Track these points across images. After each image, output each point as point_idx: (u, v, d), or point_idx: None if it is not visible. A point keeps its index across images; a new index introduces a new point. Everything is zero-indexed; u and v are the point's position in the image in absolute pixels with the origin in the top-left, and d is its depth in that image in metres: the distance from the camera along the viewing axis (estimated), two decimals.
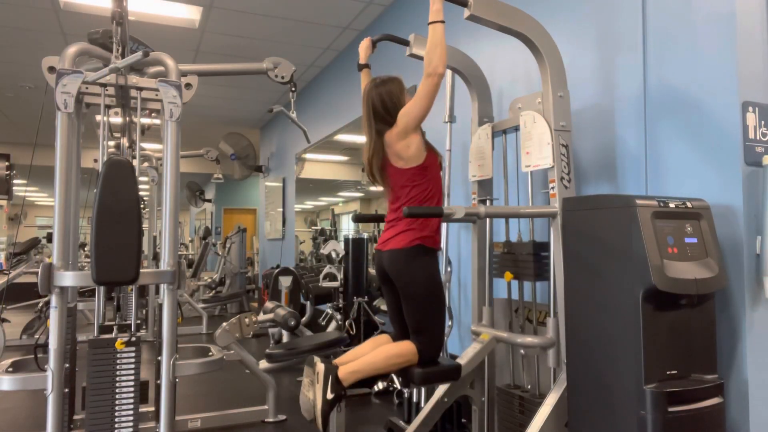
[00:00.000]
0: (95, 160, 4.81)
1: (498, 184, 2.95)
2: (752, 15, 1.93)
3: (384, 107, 2.19)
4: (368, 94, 2.22)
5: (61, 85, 2.30)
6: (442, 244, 3.15)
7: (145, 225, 4.97)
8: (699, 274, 1.70)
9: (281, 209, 7.57)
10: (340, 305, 4.36)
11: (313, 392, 2.05)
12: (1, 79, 6.43)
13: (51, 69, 2.42)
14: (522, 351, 2.47)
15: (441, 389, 2.42)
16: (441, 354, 2.19)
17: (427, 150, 2.19)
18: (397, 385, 3.56)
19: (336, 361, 2.15)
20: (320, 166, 6.66)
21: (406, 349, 2.11)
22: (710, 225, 1.80)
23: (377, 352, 2.13)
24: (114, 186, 2.15)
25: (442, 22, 2.03)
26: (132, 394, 2.39)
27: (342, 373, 2.07)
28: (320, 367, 2.05)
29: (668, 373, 1.67)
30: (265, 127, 8.92)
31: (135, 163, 2.77)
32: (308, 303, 5.07)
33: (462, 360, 2.28)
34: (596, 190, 2.43)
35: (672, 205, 1.75)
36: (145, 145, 7.50)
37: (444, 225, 3.21)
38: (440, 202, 2.24)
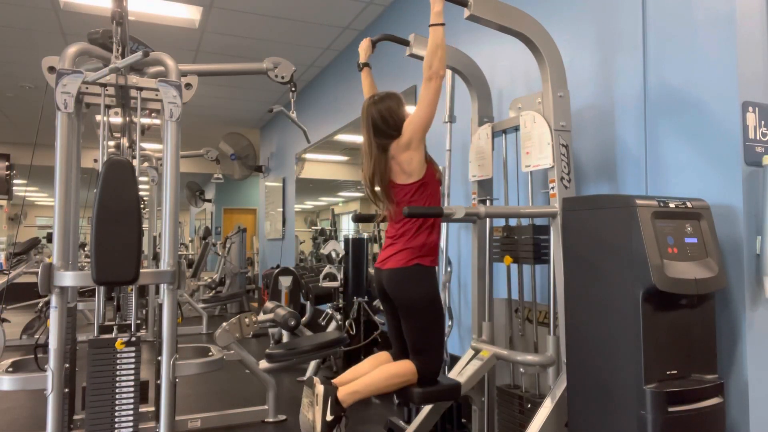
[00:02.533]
0: (95, 160, 4.81)
1: (498, 184, 2.95)
2: (752, 15, 1.93)
3: (384, 122, 2.18)
4: (367, 111, 2.22)
5: (61, 85, 2.30)
6: (442, 244, 3.15)
7: (145, 225, 4.97)
8: (699, 274, 1.70)
9: (281, 209, 7.57)
10: (340, 305, 4.36)
11: (312, 413, 2.05)
12: (1, 79, 6.43)
13: (51, 69, 2.42)
14: (521, 369, 2.47)
15: None
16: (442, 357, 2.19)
17: (427, 164, 2.19)
18: None
19: (335, 381, 2.15)
20: (320, 166, 6.66)
21: (405, 368, 2.11)
22: (710, 225, 1.80)
23: (377, 373, 2.13)
24: (114, 186, 2.15)
25: (443, 24, 2.04)
26: (132, 394, 2.40)
27: (341, 394, 2.07)
28: (319, 389, 2.06)
29: (668, 373, 1.67)
30: (265, 127, 8.92)
31: (135, 163, 2.77)
32: (308, 303, 5.07)
33: (461, 378, 2.28)
34: (596, 190, 2.43)
35: (672, 205, 1.75)
36: (145, 145, 7.50)
37: (444, 225, 3.21)
38: (438, 218, 2.23)
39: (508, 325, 2.57)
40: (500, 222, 2.92)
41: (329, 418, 2.02)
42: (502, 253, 2.47)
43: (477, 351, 2.44)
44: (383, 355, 2.29)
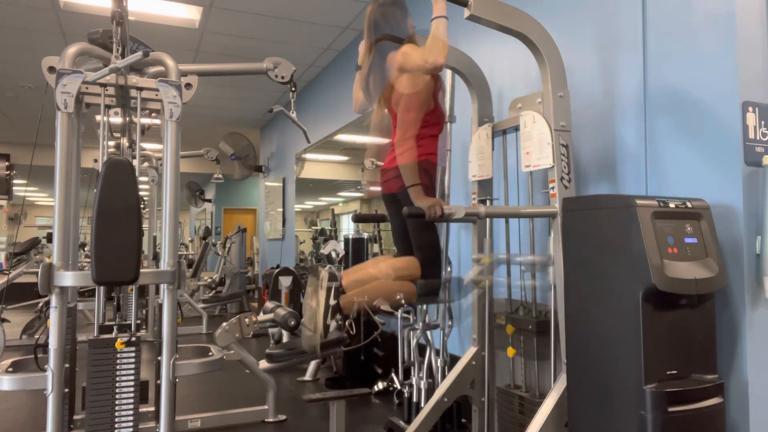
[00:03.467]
0: (95, 160, 4.81)
1: (498, 184, 2.95)
2: (752, 15, 1.93)
3: (385, 20, 2.27)
4: (370, 13, 2.28)
5: (61, 85, 2.30)
6: (442, 244, 3.15)
7: (145, 225, 4.97)
8: (699, 274, 1.70)
9: (281, 209, 7.57)
10: None
11: (315, 299, 2.06)
12: (1, 79, 6.43)
13: (51, 69, 2.42)
14: (522, 268, 2.46)
15: (441, 389, 2.42)
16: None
17: (435, 104, 2.20)
18: (397, 385, 3.56)
19: (341, 272, 2.18)
20: (320, 166, 6.66)
21: (408, 261, 2.16)
22: (710, 225, 1.80)
23: (380, 264, 2.18)
24: (114, 186, 2.15)
25: (446, 17, 2.03)
26: (132, 394, 2.40)
27: (345, 281, 2.11)
28: (324, 274, 2.09)
29: (668, 373, 1.67)
30: (265, 127, 8.92)
31: (135, 163, 2.77)
32: None
33: (465, 278, 2.30)
34: (596, 190, 2.43)
35: (672, 205, 1.75)
36: (145, 145, 7.49)
37: (444, 225, 3.20)
38: (436, 162, 2.24)
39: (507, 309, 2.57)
40: (501, 237, 2.93)
41: (332, 302, 2.05)
42: (504, 344, 2.49)
43: (478, 260, 2.44)
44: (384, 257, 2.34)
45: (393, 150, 2.27)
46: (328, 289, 2.04)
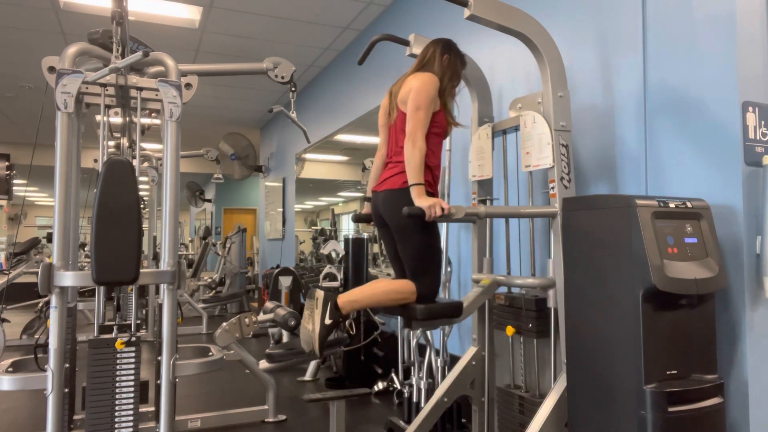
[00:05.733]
0: (95, 160, 4.82)
1: (498, 184, 2.95)
2: (752, 15, 1.93)
3: (422, 61, 2.27)
4: (432, 45, 2.29)
5: (61, 85, 2.30)
6: (442, 244, 3.15)
7: (145, 225, 4.97)
8: (699, 274, 1.70)
9: (281, 209, 7.57)
10: None
11: (312, 321, 2.06)
12: (1, 79, 6.43)
13: (51, 69, 2.42)
14: (522, 291, 2.46)
15: (441, 389, 2.42)
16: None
17: (440, 107, 2.20)
18: (397, 385, 3.56)
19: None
20: (320, 166, 6.66)
21: (405, 286, 2.13)
22: (710, 225, 1.80)
23: (377, 285, 2.15)
24: (114, 186, 2.15)
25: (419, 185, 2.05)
26: (132, 394, 2.40)
27: (341, 300, 2.08)
28: (320, 294, 2.08)
29: (668, 373, 1.67)
30: (265, 127, 8.92)
31: (135, 163, 2.77)
32: None
33: (464, 301, 2.27)
34: (596, 190, 2.43)
35: (672, 205, 1.75)
36: (145, 145, 7.51)
37: (444, 225, 3.21)
38: (438, 163, 2.24)
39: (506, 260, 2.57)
40: (501, 237, 2.94)
41: (327, 321, 2.04)
42: (503, 323, 2.48)
43: (477, 281, 2.43)
44: (384, 279, 2.32)
45: (385, 171, 2.26)
46: (324, 307, 2.04)
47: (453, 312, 2.17)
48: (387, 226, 2.21)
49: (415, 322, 2.15)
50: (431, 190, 2.17)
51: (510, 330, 2.41)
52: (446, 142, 3.19)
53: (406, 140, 2.08)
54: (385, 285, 2.14)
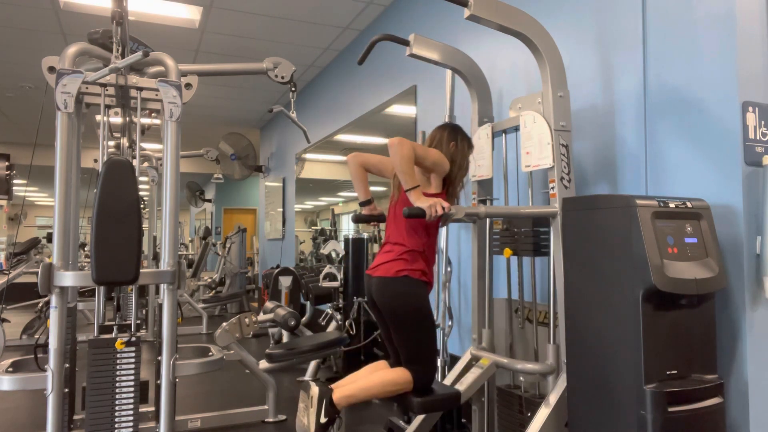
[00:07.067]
0: (95, 160, 4.82)
1: (498, 184, 2.95)
2: (752, 15, 1.93)
3: (429, 146, 2.28)
4: (439, 131, 2.32)
5: (61, 85, 2.30)
6: (442, 244, 3.15)
7: (145, 225, 4.97)
8: (699, 274, 1.70)
9: (281, 209, 7.57)
10: (340, 305, 4.36)
11: (307, 417, 2.06)
12: (1, 79, 6.43)
13: (51, 69, 2.42)
14: (521, 378, 2.46)
15: None
16: (437, 376, 2.19)
17: (443, 191, 2.23)
18: None
19: (333, 385, 2.15)
20: (320, 166, 6.66)
21: (400, 377, 2.12)
22: (710, 225, 1.80)
23: (373, 378, 2.14)
24: (114, 186, 2.15)
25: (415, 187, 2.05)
26: (132, 394, 2.40)
27: (336, 396, 2.08)
28: (314, 390, 2.07)
29: (668, 373, 1.67)
30: (265, 127, 8.92)
31: (135, 163, 2.77)
32: (308, 303, 5.07)
33: (461, 386, 2.27)
34: (596, 190, 2.43)
35: (672, 205, 1.75)
36: (145, 145, 7.51)
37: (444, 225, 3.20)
38: (433, 251, 2.25)
39: (508, 331, 2.56)
40: (501, 267, 2.93)
41: (323, 420, 2.03)
42: (502, 246, 2.47)
43: (477, 358, 2.43)
44: (381, 363, 2.30)
45: (380, 255, 2.25)
46: (319, 406, 2.03)
47: (450, 404, 2.17)
48: (380, 309, 2.20)
49: (413, 413, 2.15)
50: (425, 279, 2.17)
51: (507, 252, 2.42)
52: None
53: (390, 146, 2.02)
54: (381, 377, 2.13)
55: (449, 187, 2.28)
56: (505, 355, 2.54)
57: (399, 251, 2.17)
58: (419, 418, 2.39)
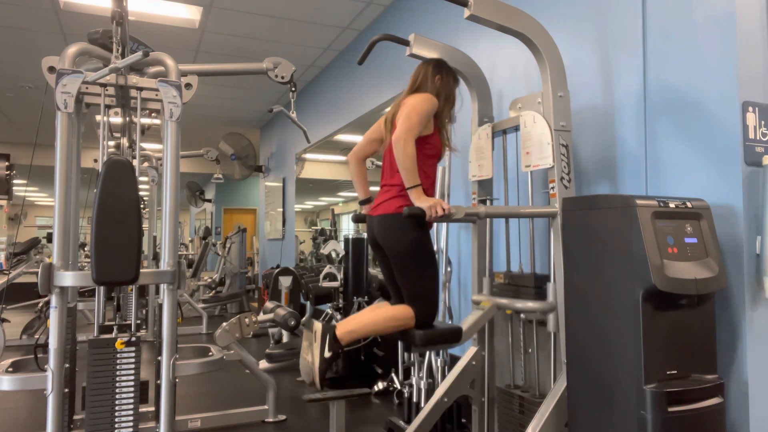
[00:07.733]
0: (95, 160, 4.81)
1: (498, 184, 2.95)
2: (752, 15, 1.93)
3: (414, 83, 2.31)
4: (423, 67, 2.33)
5: (61, 85, 2.30)
6: (442, 244, 3.15)
7: (145, 225, 4.97)
8: (699, 274, 1.70)
9: (281, 209, 7.57)
10: (340, 305, 4.36)
11: (311, 353, 2.06)
12: (1, 79, 6.43)
13: (51, 69, 2.42)
14: (522, 316, 2.45)
15: (441, 389, 2.42)
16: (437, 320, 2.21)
17: (435, 129, 2.21)
18: (397, 385, 3.56)
19: (335, 323, 2.16)
20: (320, 166, 6.66)
21: (403, 312, 2.13)
22: (710, 225, 1.80)
23: (375, 313, 2.15)
24: (114, 186, 2.15)
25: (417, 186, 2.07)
26: (132, 394, 2.40)
27: (339, 331, 2.08)
28: (318, 326, 2.07)
29: (668, 373, 1.67)
30: (265, 127, 8.92)
31: (135, 163, 2.77)
32: (308, 303, 5.07)
33: (463, 325, 2.27)
34: (596, 190, 2.43)
35: (672, 205, 1.75)
36: (145, 145, 7.51)
37: (444, 225, 3.21)
38: (432, 182, 2.24)
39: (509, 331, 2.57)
40: (501, 237, 2.93)
41: (327, 354, 2.04)
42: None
43: (477, 303, 2.42)
44: (383, 304, 2.31)
45: (379, 195, 2.26)
46: (323, 341, 2.04)
47: (452, 338, 2.17)
48: (382, 249, 2.21)
49: (414, 347, 2.15)
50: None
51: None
52: None
53: (394, 143, 2.05)
54: (383, 313, 2.13)
55: (437, 120, 2.26)
56: (509, 375, 2.54)
57: (398, 189, 2.17)
58: (419, 417, 2.39)
